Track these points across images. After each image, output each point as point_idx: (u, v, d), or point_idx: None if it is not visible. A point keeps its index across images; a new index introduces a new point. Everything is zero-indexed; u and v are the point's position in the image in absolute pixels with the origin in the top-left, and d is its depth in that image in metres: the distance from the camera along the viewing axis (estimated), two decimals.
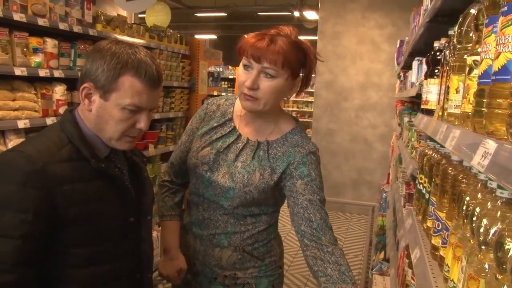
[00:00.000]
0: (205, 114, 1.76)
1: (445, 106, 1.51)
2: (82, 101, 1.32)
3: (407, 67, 4.45)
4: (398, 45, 5.20)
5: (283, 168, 1.64)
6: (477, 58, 0.98)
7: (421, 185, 1.84)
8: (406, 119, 3.34)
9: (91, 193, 1.30)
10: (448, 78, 1.55)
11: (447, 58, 1.63)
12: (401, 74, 4.72)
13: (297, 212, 1.64)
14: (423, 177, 1.82)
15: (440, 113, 1.48)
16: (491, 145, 0.73)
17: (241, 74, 1.57)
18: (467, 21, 1.12)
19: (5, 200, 1.19)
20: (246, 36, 1.58)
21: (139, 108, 1.32)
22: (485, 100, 0.82)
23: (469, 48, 1.13)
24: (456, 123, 1.18)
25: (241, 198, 1.61)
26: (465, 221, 1.06)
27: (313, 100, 7.65)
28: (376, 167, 6.89)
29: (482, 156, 0.75)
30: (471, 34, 1.09)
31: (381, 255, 4.01)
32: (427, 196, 1.72)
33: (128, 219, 1.43)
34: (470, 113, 1.03)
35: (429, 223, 1.59)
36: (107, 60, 1.26)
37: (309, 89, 15.31)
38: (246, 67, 1.55)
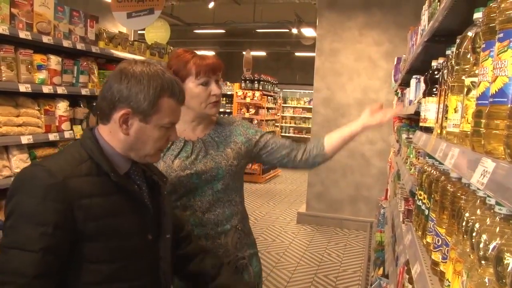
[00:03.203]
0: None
1: (444, 125, 1.56)
2: (119, 126, 1.35)
3: (405, 84, 4.52)
4: (395, 62, 5.28)
5: (242, 139, 2.02)
6: (475, 79, 1.02)
7: (420, 202, 1.87)
8: (404, 135, 3.38)
9: (110, 208, 1.33)
10: (446, 97, 1.59)
11: (445, 77, 1.68)
12: (399, 91, 4.78)
13: (279, 152, 2.08)
14: (422, 193, 1.85)
15: (439, 131, 1.52)
16: (489, 164, 0.77)
17: (199, 91, 1.88)
18: (465, 43, 1.16)
19: (26, 213, 1.22)
20: (180, 63, 1.88)
21: (173, 124, 1.42)
22: (483, 121, 0.85)
23: (466, 69, 1.17)
24: (455, 141, 1.22)
25: (230, 173, 1.94)
26: (464, 236, 1.09)
27: (310, 116, 7.71)
28: (374, 183, 6.91)
29: (481, 175, 0.79)
30: (468, 56, 1.13)
31: (380, 271, 4.02)
32: (426, 212, 1.75)
33: (146, 237, 1.44)
34: (468, 132, 1.07)
35: (428, 239, 1.62)
36: (145, 85, 1.32)
37: (306, 105, 15.44)
38: (204, 83, 1.88)
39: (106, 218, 1.32)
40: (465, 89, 1.09)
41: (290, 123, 15.86)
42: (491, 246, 0.89)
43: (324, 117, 7.05)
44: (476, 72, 1.04)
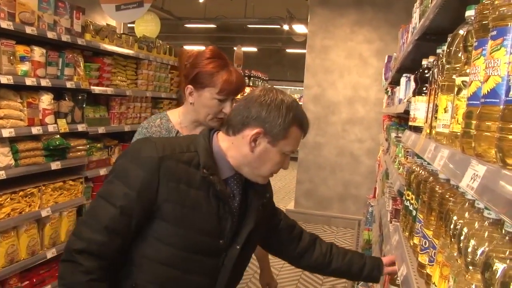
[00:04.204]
0: (150, 136, 1.94)
1: (433, 124, 1.53)
2: (248, 143, 1.45)
3: (395, 82, 4.50)
4: (386, 61, 5.26)
5: None
6: (466, 79, 0.99)
7: (408, 202, 1.84)
8: (393, 134, 3.36)
9: (192, 200, 1.42)
10: (436, 96, 1.56)
11: (435, 76, 1.65)
12: (389, 89, 4.76)
13: None
14: (410, 193, 1.82)
15: (428, 131, 1.49)
16: (480, 167, 0.74)
17: (213, 104, 1.90)
18: (456, 41, 1.13)
19: (121, 173, 1.39)
20: (208, 69, 1.90)
21: (292, 152, 1.52)
22: (474, 122, 0.82)
23: (457, 68, 1.14)
24: (444, 142, 1.19)
25: None
26: (452, 240, 1.06)
27: None
28: (362, 181, 6.92)
29: (471, 179, 0.76)
30: (459, 55, 1.10)
31: None
32: (414, 213, 1.72)
33: (218, 241, 1.49)
34: (458, 133, 1.03)
35: (416, 240, 1.59)
36: (283, 113, 1.43)
37: (299, 102, 15.37)
38: (221, 100, 1.90)
39: (184, 206, 1.41)
40: (456, 89, 1.06)
41: None
42: (479, 251, 0.86)
43: (314, 114, 7.03)
44: (467, 71, 1.00)
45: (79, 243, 1.33)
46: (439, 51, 1.73)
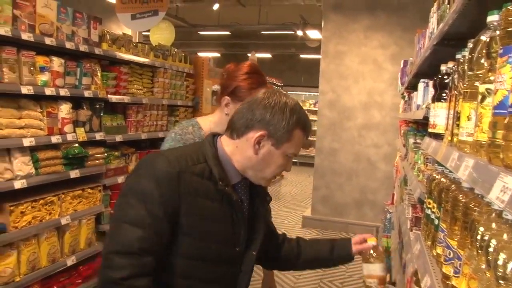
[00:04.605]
0: (184, 143, 1.95)
1: (455, 132, 1.50)
2: (252, 145, 1.45)
3: (412, 87, 4.46)
4: (402, 65, 5.22)
5: None
6: (490, 86, 0.97)
7: (429, 210, 1.81)
8: (411, 140, 3.32)
9: (210, 212, 1.43)
10: (457, 103, 1.54)
11: (455, 82, 1.63)
12: (405, 94, 4.71)
13: None
14: (431, 202, 1.79)
15: (450, 139, 1.47)
16: (510, 180, 0.72)
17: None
18: (478, 48, 1.11)
19: (141, 193, 1.35)
20: (245, 85, 1.94)
21: (295, 155, 1.53)
22: (502, 132, 0.80)
23: (480, 75, 1.12)
24: (468, 151, 1.17)
25: None
26: (479, 251, 1.04)
27: (315, 118, 7.63)
28: (379, 187, 6.85)
29: (501, 191, 0.74)
30: (482, 61, 1.08)
31: (387, 278, 3.95)
32: (436, 222, 1.69)
33: (234, 248, 1.52)
34: (483, 142, 1.01)
35: (439, 250, 1.56)
36: (287, 116, 1.44)
37: (312, 108, 15.35)
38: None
39: (203, 219, 1.41)
40: (479, 96, 1.04)
41: None
42: (510, 265, 0.84)
43: (330, 120, 7.00)
44: (491, 78, 0.98)
45: (121, 272, 1.28)
46: (458, 56, 1.70)
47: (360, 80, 6.83)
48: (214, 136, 1.56)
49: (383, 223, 5.80)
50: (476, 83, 1.12)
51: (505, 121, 0.79)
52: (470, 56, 1.15)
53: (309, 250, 1.89)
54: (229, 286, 1.54)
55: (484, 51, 1.06)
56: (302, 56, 15.47)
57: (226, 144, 1.52)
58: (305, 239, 1.95)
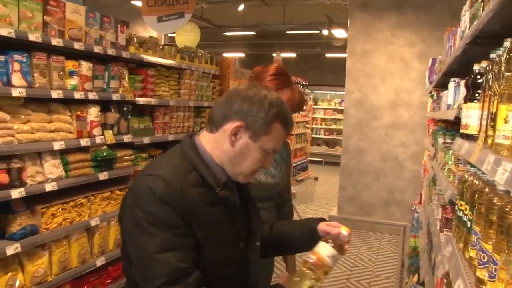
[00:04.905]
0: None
1: (489, 133, 1.46)
2: (228, 137, 1.42)
3: (440, 85, 4.37)
4: (430, 64, 5.12)
5: (286, 163, 2.23)
6: None
7: (461, 212, 1.77)
8: (440, 140, 3.25)
9: (214, 218, 1.41)
10: (491, 103, 1.49)
11: (490, 82, 1.58)
12: (434, 93, 4.63)
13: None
14: (463, 204, 1.75)
15: (483, 140, 1.43)
16: None
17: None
18: None
19: (157, 220, 1.30)
20: (271, 85, 1.94)
21: (274, 151, 1.48)
22: None
23: None
24: (505, 154, 1.13)
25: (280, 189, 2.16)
26: None
27: (341, 117, 7.57)
28: (407, 187, 6.75)
29: None
30: None
31: (415, 278, 3.90)
32: (468, 224, 1.65)
33: (238, 245, 1.50)
34: None
35: (472, 253, 1.53)
36: (266, 107, 1.41)
37: (337, 106, 15.25)
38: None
39: (211, 227, 1.39)
40: None
41: (320, 125, 15.70)
42: None
43: (356, 119, 6.94)
44: None
45: None
46: (493, 55, 1.65)
47: (387, 79, 6.74)
48: (191, 137, 1.51)
49: (410, 223, 5.73)
50: None
51: None
52: (508, 56, 1.11)
53: (281, 225, 1.81)
54: (242, 283, 1.53)
55: None
56: (327, 55, 15.37)
57: (206, 142, 1.48)
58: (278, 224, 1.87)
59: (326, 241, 1.53)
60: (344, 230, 1.59)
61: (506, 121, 1.10)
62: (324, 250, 1.51)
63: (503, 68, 1.16)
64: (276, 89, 1.95)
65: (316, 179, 6.21)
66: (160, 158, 1.56)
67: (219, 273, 1.44)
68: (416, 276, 3.88)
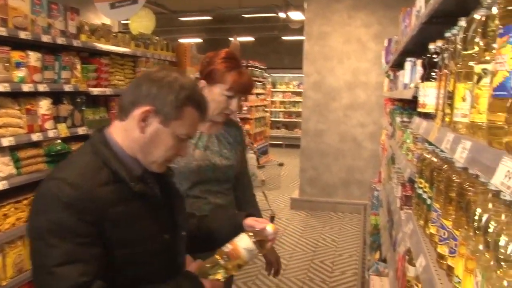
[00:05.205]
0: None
1: (447, 112, 1.48)
2: (137, 122, 1.33)
3: (396, 65, 4.44)
4: (386, 44, 5.19)
5: (242, 147, 2.30)
6: (487, 66, 0.94)
7: (421, 190, 1.81)
8: (398, 119, 3.31)
9: (131, 214, 1.33)
10: (448, 82, 1.51)
11: (446, 61, 1.60)
12: (390, 73, 4.70)
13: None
14: (423, 181, 1.78)
15: (441, 119, 1.45)
16: None
17: (221, 100, 2.05)
18: (473, 26, 1.08)
19: (58, 228, 1.20)
20: (221, 68, 2.04)
21: (189, 137, 1.42)
22: (505, 115, 0.77)
23: (475, 55, 1.09)
24: (463, 132, 1.14)
25: (235, 172, 2.21)
26: (477, 232, 1.03)
27: (299, 100, 7.60)
28: (366, 166, 6.89)
29: (506, 176, 0.71)
30: (477, 41, 1.05)
31: (377, 255, 3.99)
32: (428, 201, 1.68)
33: (163, 237, 1.44)
34: (480, 124, 0.99)
35: (432, 230, 1.56)
36: (176, 90, 1.33)
37: (296, 89, 15.31)
38: (229, 96, 2.05)
39: (129, 225, 1.32)
40: (475, 77, 1.01)
41: (279, 108, 15.76)
42: (511, 247, 0.82)
43: (315, 101, 6.98)
44: (488, 58, 0.96)
45: None
46: (448, 34, 1.68)
47: (344, 61, 6.80)
48: (101, 131, 1.41)
49: (370, 201, 5.85)
50: (471, 63, 1.09)
51: (508, 104, 0.76)
52: (464, 36, 1.12)
53: (209, 220, 1.75)
54: (173, 274, 1.44)
55: (479, 30, 1.03)
56: (284, 38, 15.36)
57: (116, 133, 1.39)
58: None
59: (248, 235, 1.50)
60: (269, 227, 1.56)
61: (463, 99, 1.11)
62: (242, 242, 1.48)
63: (459, 47, 1.16)
64: (225, 71, 2.03)
65: (281, 165, 6.18)
66: (69, 157, 1.46)
67: (147, 267, 1.38)
68: (378, 253, 3.97)
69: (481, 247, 0.99)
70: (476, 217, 1.02)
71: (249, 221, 1.61)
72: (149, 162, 1.39)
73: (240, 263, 1.47)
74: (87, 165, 1.31)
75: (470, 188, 1.20)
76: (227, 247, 1.47)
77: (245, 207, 2.25)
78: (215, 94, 2.04)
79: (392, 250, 3.05)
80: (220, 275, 1.45)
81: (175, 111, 1.33)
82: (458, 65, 1.18)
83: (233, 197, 2.27)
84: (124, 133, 1.37)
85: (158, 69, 1.39)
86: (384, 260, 3.54)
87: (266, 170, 9.71)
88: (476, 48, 1.05)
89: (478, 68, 0.99)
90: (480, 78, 0.97)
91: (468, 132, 1.08)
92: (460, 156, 1.00)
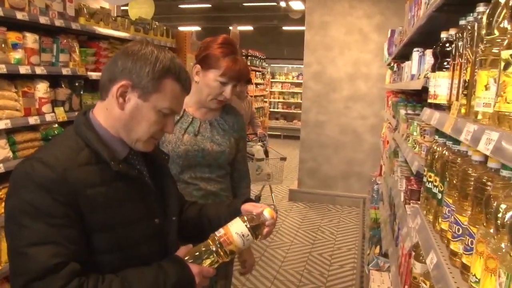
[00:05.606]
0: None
1: (462, 102, 1.42)
2: (116, 99, 1.29)
3: (400, 57, 4.37)
4: (389, 35, 5.11)
5: (239, 135, 2.25)
6: None
7: (430, 184, 1.75)
8: (402, 111, 3.25)
9: (114, 196, 1.29)
10: (463, 71, 1.45)
11: (460, 50, 1.54)
12: (394, 64, 4.63)
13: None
14: (432, 175, 1.72)
15: (459, 110, 1.38)
16: None
17: (215, 86, 2.04)
18: (498, 11, 1.01)
19: (33, 210, 1.17)
20: (216, 53, 2.02)
21: (172, 112, 1.36)
22: None
23: (498, 41, 1.02)
24: (484, 122, 1.08)
25: (229, 159, 2.19)
26: (500, 230, 0.97)
27: (299, 91, 7.53)
28: (366, 159, 6.84)
29: None
30: (504, 25, 0.99)
31: (377, 250, 3.95)
32: (439, 196, 1.63)
33: (153, 221, 1.40)
34: (508, 114, 0.93)
35: (443, 226, 1.50)
36: (152, 61, 1.29)
37: (296, 80, 15.23)
38: (223, 83, 2.04)
39: (112, 207, 1.27)
40: (502, 64, 0.95)
41: (278, 98, 15.68)
42: None
43: (315, 92, 6.91)
44: None
45: None
46: (462, 22, 1.61)
47: (345, 51, 6.72)
48: (85, 113, 1.37)
49: (370, 195, 5.81)
50: (495, 49, 1.02)
51: None
52: (488, 21, 1.05)
53: (210, 208, 1.70)
54: (160, 258, 1.38)
55: (507, 14, 0.96)
56: (284, 28, 15.25)
57: (99, 113, 1.35)
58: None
59: (243, 219, 1.42)
60: (267, 212, 1.48)
61: (486, 87, 1.04)
62: (235, 226, 1.40)
63: (482, 32, 1.09)
64: (220, 57, 2.02)
65: (283, 159, 6.08)
66: (52, 139, 1.42)
67: (135, 252, 1.33)
68: (378, 247, 3.93)
69: (504, 245, 0.94)
70: (500, 214, 0.97)
71: (247, 206, 1.55)
72: (133, 140, 1.35)
73: (232, 249, 1.39)
74: (66, 146, 1.28)
75: (489, 183, 1.14)
76: (220, 232, 1.39)
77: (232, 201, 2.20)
78: (209, 80, 2.04)
79: (394, 245, 3.00)
80: (210, 261, 1.37)
81: (153, 83, 1.29)
82: (480, 52, 1.11)
83: (227, 185, 2.24)
84: (105, 112, 1.34)
85: (134, 43, 1.35)
86: (384, 255, 3.49)
87: (267, 163, 9.65)
88: (503, 33, 0.98)
89: (505, 54, 0.92)
90: (508, 65, 0.91)
91: (492, 122, 1.01)
92: (485, 148, 0.94)
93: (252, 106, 5.77)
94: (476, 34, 1.28)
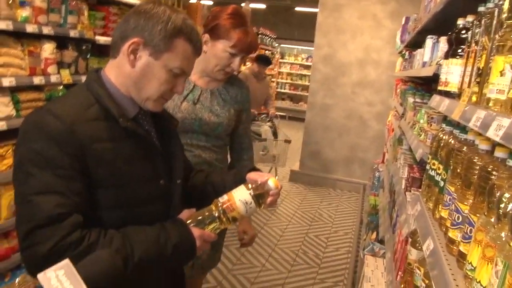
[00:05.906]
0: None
1: (474, 90, 1.39)
2: (127, 56, 1.30)
3: (412, 45, 4.31)
4: (403, 22, 5.03)
5: (241, 107, 2.21)
6: None
7: (433, 171, 1.73)
8: (410, 99, 3.21)
9: (121, 153, 1.29)
10: (478, 58, 1.42)
11: (476, 36, 1.50)
12: (406, 52, 4.56)
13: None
14: (436, 163, 1.70)
15: (469, 97, 1.35)
16: None
17: (223, 56, 2.01)
18: None
19: (40, 159, 1.18)
20: (227, 24, 1.98)
21: (183, 72, 1.36)
22: None
23: None
24: (496, 109, 1.06)
25: (227, 131, 2.17)
26: (501, 219, 0.95)
27: (307, 73, 7.46)
28: (369, 145, 6.81)
29: None
30: None
31: (373, 236, 3.96)
32: (441, 184, 1.61)
33: (158, 182, 1.41)
34: None
35: (443, 213, 1.49)
36: (164, 20, 1.29)
37: (304, 62, 15.11)
38: (233, 54, 2.01)
39: (117, 164, 1.28)
40: None
41: (286, 79, 15.58)
42: None
43: (324, 75, 6.85)
44: None
45: (47, 244, 1.13)
46: (481, 8, 1.57)
47: (357, 36, 6.63)
48: (97, 71, 1.39)
49: (371, 181, 5.80)
50: None
51: None
52: (510, 5, 1.01)
53: (216, 175, 1.70)
54: (163, 219, 1.38)
55: None
56: (297, 9, 15.05)
57: (110, 72, 1.36)
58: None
59: (247, 187, 1.41)
60: (272, 182, 1.47)
61: (502, 74, 1.01)
62: (239, 193, 1.39)
63: (504, 16, 1.06)
64: (230, 28, 1.99)
65: (287, 141, 6.01)
66: (63, 94, 1.44)
67: (138, 211, 1.34)
68: (374, 233, 3.94)
69: (504, 234, 0.92)
70: (503, 204, 0.95)
71: (252, 174, 1.54)
72: (143, 99, 1.35)
73: (235, 216, 1.39)
74: (77, 100, 1.30)
75: (494, 172, 1.12)
76: (223, 198, 1.39)
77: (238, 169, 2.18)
78: (217, 50, 2.01)
79: (391, 232, 3.00)
80: (213, 227, 1.37)
81: (165, 42, 1.29)
82: (498, 37, 1.08)
83: (223, 156, 2.23)
84: (116, 70, 1.34)
85: (146, 2, 1.34)
86: (380, 241, 3.50)
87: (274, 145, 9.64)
88: None
89: None
90: None
91: (504, 109, 0.99)
92: (495, 134, 0.92)
93: (269, 87, 5.71)
94: (495, 20, 1.24)
